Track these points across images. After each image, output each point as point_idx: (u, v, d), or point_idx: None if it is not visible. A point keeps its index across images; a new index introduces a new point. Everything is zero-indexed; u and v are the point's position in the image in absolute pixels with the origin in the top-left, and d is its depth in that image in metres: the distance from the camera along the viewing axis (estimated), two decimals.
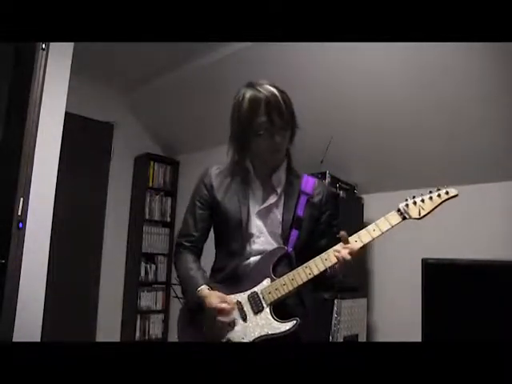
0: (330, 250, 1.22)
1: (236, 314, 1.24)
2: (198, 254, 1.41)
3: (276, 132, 1.24)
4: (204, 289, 1.26)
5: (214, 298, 1.22)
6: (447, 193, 1.17)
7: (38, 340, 2.23)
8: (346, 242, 1.20)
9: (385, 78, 2.57)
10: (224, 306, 1.20)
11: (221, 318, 1.20)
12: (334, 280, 1.30)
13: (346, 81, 2.73)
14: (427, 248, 1.87)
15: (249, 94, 1.25)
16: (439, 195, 1.17)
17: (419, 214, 1.18)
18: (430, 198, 1.18)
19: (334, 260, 1.20)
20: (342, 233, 1.21)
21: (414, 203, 1.18)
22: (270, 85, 1.26)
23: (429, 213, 1.18)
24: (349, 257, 1.17)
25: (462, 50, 2.20)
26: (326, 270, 1.23)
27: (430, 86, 2.44)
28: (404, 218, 1.18)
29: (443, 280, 1.92)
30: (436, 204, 1.18)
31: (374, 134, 2.86)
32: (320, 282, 1.28)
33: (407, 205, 1.19)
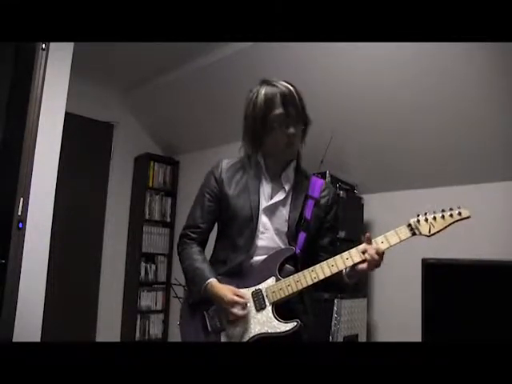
0: (338, 257, 1.22)
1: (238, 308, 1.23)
2: (203, 245, 1.42)
3: (291, 123, 1.28)
4: (214, 281, 1.26)
5: (227, 291, 1.22)
6: (460, 213, 1.16)
7: (38, 340, 2.23)
8: (369, 242, 1.19)
9: (385, 78, 2.57)
10: (238, 299, 1.21)
11: (236, 311, 1.20)
12: (350, 282, 1.26)
13: (346, 81, 2.73)
14: (427, 248, 1.87)
15: (264, 89, 1.30)
16: (451, 215, 1.16)
17: (429, 232, 1.17)
18: (442, 216, 1.17)
19: (342, 266, 1.21)
20: (368, 234, 1.20)
21: (426, 220, 1.17)
22: (284, 81, 1.32)
23: (439, 231, 1.17)
24: (377, 256, 1.16)
25: (462, 50, 2.20)
26: (341, 272, 1.23)
27: (430, 86, 2.44)
28: (414, 234, 1.17)
29: (443, 280, 1.93)
30: (447, 223, 1.17)
31: (374, 134, 2.86)
32: (333, 282, 1.27)
33: (418, 220, 1.18)
